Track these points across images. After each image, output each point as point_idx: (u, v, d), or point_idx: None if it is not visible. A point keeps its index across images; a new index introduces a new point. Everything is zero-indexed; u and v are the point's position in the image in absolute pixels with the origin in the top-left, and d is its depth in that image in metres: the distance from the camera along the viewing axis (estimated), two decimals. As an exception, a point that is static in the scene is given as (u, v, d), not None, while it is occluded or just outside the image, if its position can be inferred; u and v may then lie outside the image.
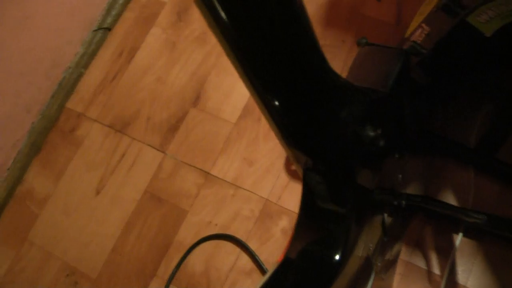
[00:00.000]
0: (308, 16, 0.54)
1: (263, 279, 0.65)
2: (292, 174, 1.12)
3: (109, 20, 1.32)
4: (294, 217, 1.08)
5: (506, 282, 0.97)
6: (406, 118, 0.92)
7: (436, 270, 0.99)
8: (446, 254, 1.00)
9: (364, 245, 0.86)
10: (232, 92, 1.20)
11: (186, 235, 1.12)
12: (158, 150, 1.20)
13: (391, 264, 1.02)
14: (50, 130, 1.28)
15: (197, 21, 1.28)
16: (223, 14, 0.49)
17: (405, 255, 1.02)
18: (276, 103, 0.56)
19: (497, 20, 0.87)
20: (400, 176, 0.94)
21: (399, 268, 1.02)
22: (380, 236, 0.99)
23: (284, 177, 1.12)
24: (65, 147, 1.26)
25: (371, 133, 0.65)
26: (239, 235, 1.09)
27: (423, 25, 1.00)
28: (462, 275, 0.98)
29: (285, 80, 0.55)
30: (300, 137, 0.60)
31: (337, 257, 0.64)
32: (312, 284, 0.63)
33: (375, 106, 0.68)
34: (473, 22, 0.88)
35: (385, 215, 1.02)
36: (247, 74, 0.54)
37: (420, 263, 1.01)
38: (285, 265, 0.65)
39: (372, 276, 0.98)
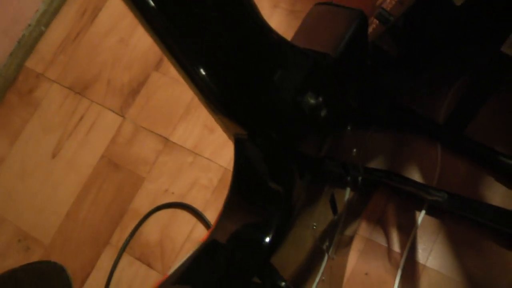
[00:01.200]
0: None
1: (184, 259, 0.59)
2: (254, 143, 1.08)
3: (72, -24, 1.26)
4: (255, 188, 1.05)
5: (465, 262, 0.94)
6: (365, 88, 0.87)
7: (397, 248, 0.96)
8: (408, 232, 0.96)
9: (308, 225, 0.81)
10: (196, 56, 1.15)
11: (142, 203, 1.08)
12: (117, 114, 1.15)
13: (347, 241, 0.99)
14: (7, 90, 1.23)
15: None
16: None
17: (365, 231, 0.98)
18: (198, 63, 0.50)
19: (466, -12, 0.82)
20: (355, 150, 0.89)
21: (358, 245, 0.98)
22: (329, 215, 0.95)
23: (245, 146, 1.07)
24: (22, 108, 1.21)
25: (312, 101, 0.58)
26: (196, 204, 1.06)
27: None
28: (422, 254, 0.95)
29: (208, 35, 0.49)
30: (229, 103, 0.53)
31: (267, 239, 0.58)
32: (239, 269, 0.58)
33: (320, 72, 0.61)
34: (442, -11, 0.84)
35: (347, 190, 0.98)
36: (165, 38, 0.48)
37: (381, 240, 0.97)
38: (209, 247, 0.60)
39: (325, 258, 0.94)
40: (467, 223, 0.95)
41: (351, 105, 0.82)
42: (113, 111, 1.15)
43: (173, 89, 1.14)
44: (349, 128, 0.81)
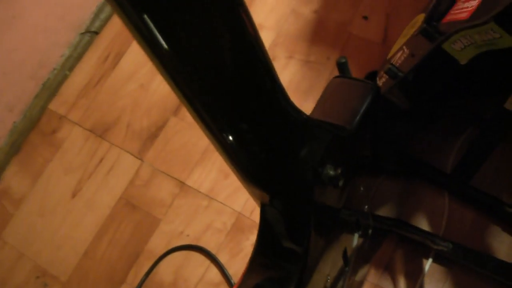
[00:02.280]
0: (263, 46, 0.51)
1: None
2: (267, 189, 1.11)
3: (97, 23, 1.32)
4: (267, 232, 1.08)
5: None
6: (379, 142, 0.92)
7: (403, 294, 0.99)
8: (415, 279, 0.99)
9: (323, 276, 0.86)
10: (213, 103, 1.20)
11: (158, 244, 1.12)
12: (136, 157, 1.20)
13: (357, 286, 1.01)
14: (31, 130, 1.28)
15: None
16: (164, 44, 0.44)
17: (373, 278, 1.01)
18: (231, 138, 0.54)
19: (471, 49, 0.87)
20: (367, 206, 0.94)
21: (366, 290, 1.01)
22: (341, 267, 0.98)
23: (259, 191, 1.11)
24: (45, 149, 1.26)
25: (332, 173, 0.63)
26: (210, 247, 1.09)
27: (404, 47, 1.00)
28: (428, 301, 0.98)
29: (240, 115, 0.53)
30: (257, 174, 0.57)
31: None
32: None
33: (338, 144, 0.66)
34: (449, 49, 0.88)
35: (355, 236, 1.01)
36: (196, 108, 0.53)
37: (389, 286, 1.00)
38: None
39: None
40: (474, 273, 0.98)
41: (364, 161, 0.86)
42: (132, 154, 1.20)
43: (190, 135, 1.19)
44: (362, 189, 0.86)
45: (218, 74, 0.50)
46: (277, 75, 0.55)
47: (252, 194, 0.64)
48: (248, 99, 0.53)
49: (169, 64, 0.46)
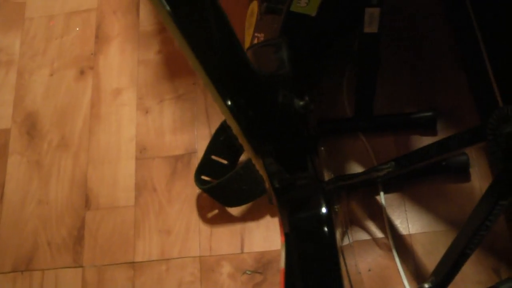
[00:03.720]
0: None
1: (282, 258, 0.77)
2: (210, 221, 1.11)
3: (-40, 171, 1.24)
4: (233, 259, 1.08)
5: (438, 212, 1.03)
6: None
7: (379, 234, 1.04)
8: (380, 216, 1.05)
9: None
10: (116, 178, 1.18)
11: (143, 331, 1.07)
12: (74, 267, 1.13)
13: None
14: (-49, 308, 1.16)
15: (50, 131, 1.24)
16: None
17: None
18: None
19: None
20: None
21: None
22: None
23: (205, 228, 1.11)
24: (-24, 316, 1.15)
25: (301, 102, 0.80)
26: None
27: (256, 34, 1.06)
28: (402, 227, 1.04)
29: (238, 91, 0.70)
30: (254, 127, 0.73)
31: (323, 210, 0.78)
32: (319, 238, 0.78)
33: (292, 83, 0.83)
34: (297, 9, 0.96)
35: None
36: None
37: (363, 236, 1.04)
38: (288, 239, 0.78)
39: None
40: (420, 182, 1.06)
41: None
42: (69, 267, 1.13)
43: (113, 217, 1.15)
44: (322, 148, 1.04)
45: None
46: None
47: (254, 154, 0.77)
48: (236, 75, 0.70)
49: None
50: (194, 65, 0.63)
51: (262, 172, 0.81)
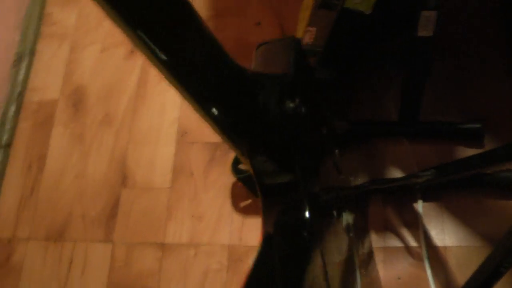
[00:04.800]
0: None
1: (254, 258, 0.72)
2: (243, 211, 1.11)
3: (5, 136, 1.27)
4: (262, 252, 1.07)
5: (477, 227, 1.00)
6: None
7: (413, 243, 1.01)
8: (415, 224, 1.02)
9: (335, 251, 0.92)
10: (155, 159, 1.19)
11: (165, 312, 1.07)
12: (104, 242, 1.15)
13: (368, 257, 1.03)
14: (-17, 269, 1.19)
15: (95, 106, 1.26)
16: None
17: (378, 242, 1.03)
18: (212, 108, 0.67)
19: (371, -4, 0.93)
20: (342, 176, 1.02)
21: (378, 256, 1.02)
22: (349, 239, 1.01)
23: (237, 217, 1.10)
24: (6, 279, 1.17)
25: (292, 104, 0.76)
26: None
27: (309, 28, 1.04)
28: (437, 238, 1.01)
29: (213, 88, 0.67)
30: (238, 128, 0.71)
31: (306, 214, 0.72)
32: (295, 243, 0.72)
33: (288, 85, 0.80)
34: (352, 6, 0.94)
35: (346, 213, 1.04)
36: (190, 95, 0.64)
37: (396, 243, 1.02)
38: (266, 240, 0.73)
39: (358, 275, 0.99)
40: (461, 194, 1.03)
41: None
42: (100, 241, 1.15)
43: (148, 197, 1.16)
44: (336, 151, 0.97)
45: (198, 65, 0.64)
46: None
47: (240, 153, 0.75)
48: (218, 76, 0.67)
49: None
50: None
51: (250, 169, 0.80)
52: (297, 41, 0.90)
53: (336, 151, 0.98)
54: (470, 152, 1.04)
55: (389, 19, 1.01)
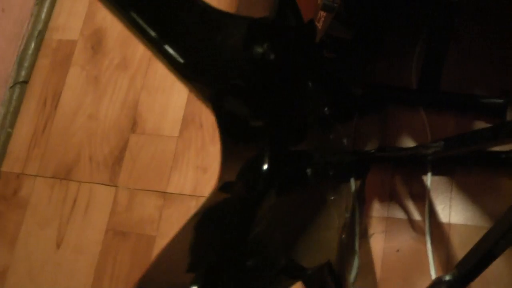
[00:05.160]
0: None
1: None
2: (249, 168, 1.09)
3: (23, 72, 1.27)
4: (264, 210, 1.05)
5: (486, 206, 0.96)
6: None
7: (417, 216, 0.97)
8: (422, 197, 0.98)
9: (335, 216, 0.91)
10: (167, 107, 1.17)
11: (161, 260, 1.07)
12: (109, 185, 1.15)
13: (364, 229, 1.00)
14: (-9, 199, 1.21)
15: (113, 49, 1.25)
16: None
17: (381, 211, 1.00)
18: (165, 42, 0.63)
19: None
20: (345, 140, 0.99)
21: (380, 226, 0.99)
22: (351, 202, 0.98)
23: (242, 174, 1.08)
24: (12, 212, 1.19)
25: (260, 50, 0.72)
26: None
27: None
28: (443, 214, 0.97)
29: (170, 22, 0.63)
30: (195, 68, 0.66)
31: (265, 166, 0.67)
32: (246, 200, 0.66)
33: (261, 29, 0.74)
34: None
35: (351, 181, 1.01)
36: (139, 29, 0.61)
37: (399, 214, 0.99)
38: (219, 188, 0.69)
39: (356, 242, 0.97)
40: (474, 170, 0.98)
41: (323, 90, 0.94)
42: (104, 184, 1.15)
43: (155, 145, 1.15)
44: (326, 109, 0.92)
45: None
46: None
47: (202, 95, 0.71)
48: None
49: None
50: None
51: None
52: None
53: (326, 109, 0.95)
54: (490, 128, 0.99)
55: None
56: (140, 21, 0.59)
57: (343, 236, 0.94)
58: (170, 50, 0.61)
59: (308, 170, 0.80)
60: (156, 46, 0.62)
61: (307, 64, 0.90)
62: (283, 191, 0.71)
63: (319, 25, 1.00)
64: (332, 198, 0.92)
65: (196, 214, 0.64)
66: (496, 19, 1.04)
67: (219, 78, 0.68)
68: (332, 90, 1.00)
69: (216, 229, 0.62)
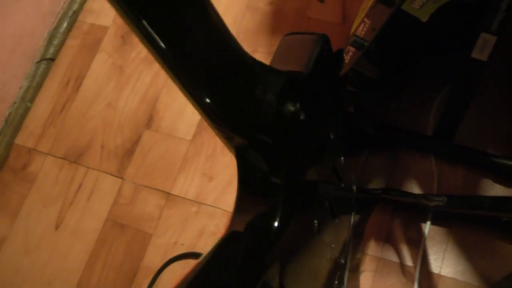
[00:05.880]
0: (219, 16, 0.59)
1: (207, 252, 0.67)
2: (254, 184, 1.10)
3: (51, 50, 1.29)
4: (261, 227, 1.06)
5: (478, 265, 0.96)
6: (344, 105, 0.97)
7: (409, 262, 0.98)
8: (417, 244, 0.99)
9: (329, 246, 0.92)
10: (184, 109, 1.18)
11: (153, 258, 1.09)
12: (115, 176, 1.16)
13: (356, 265, 1.01)
14: (0, 169, 1.23)
15: (142, 42, 1.27)
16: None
17: (375, 251, 1.01)
18: (198, 84, 0.60)
19: (430, 4, 0.88)
20: (352, 174, 1.00)
21: (371, 265, 1.00)
22: (348, 235, 1.00)
23: (246, 188, 1.10)
24: (19, 185, 1.22)
25: (292, 108, 0.72)
26: (207, 251, 1.07)
27: (365, 19, 1.01)
28: (435, 264, 0.97)
29: (205, 69, 0.60)
30: (225, 116, 0.64)
31: (275, 224, 0.69)
32: (255, 251, 0.68)
33: (295, 85, 0.73)
34: (408, 9, 0.90)
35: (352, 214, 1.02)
36: (173, 71, 0.58)
37: (392, 257, 1.00)
38: (228, 237, 0.69)
39: (346, 275, 0.98)
40: (473, 227, 0.99)
41: (337, 126, 0.94)
42: (111, 174, 1.17)
43: (167, 144, 1.16)
44: (342, 158, 0.91)
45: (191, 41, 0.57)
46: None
47: (228, 142, 0.71)
48: (208, 55, 0.60)
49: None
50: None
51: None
52: (326, 40, 0.83)
53: (342, 158, 0.96)
54: (497, 188, 1.00)
55: (445, 32, 0.96)
56: (182, 77, 0.58)
57: (334, 267, 0.95)
58: (207, 99, 0.60)
59: (315, 222, 0.81)
60: (194, 95, 0.60)
61: (331, 110, 0.92)
62: (289, 241, 0.72)
63: (347, 57, 1.01)
64: (329, 228, 0.93)
65: (200, 262, 0.65)
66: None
67: (248, 129, 0.67)
68: (347, 123, 1.01)
69: (221, 278, 0.64)
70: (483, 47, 0.88)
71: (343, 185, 0.97)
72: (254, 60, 0.67)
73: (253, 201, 0.72)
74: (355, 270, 1.00)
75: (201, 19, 0.55)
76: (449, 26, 0.94)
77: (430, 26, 0.87)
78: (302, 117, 0.73)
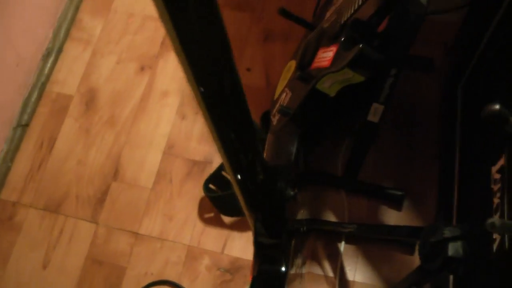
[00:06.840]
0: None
1: None
2: (205, 220, 1.38)
3: (25, 117, 1.53)
4: (213, 255, 1.34)
5: (382, 271, 1.28)
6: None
7: (330, 273, 1.29)
8: (335, 259, 1.30)
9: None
10: (144, 162, 1.45)
11: (129, 287, 1.35)
12: (90, 222, 1.42)
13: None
14: (-11, 222, 1.46)
15: (103, 107, 1.52)
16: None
17: (306, 267, 1.31)
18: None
19: (336, 85, 1.19)
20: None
21: (299, 278, 1.30)
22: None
23: (199, 224, 1.38)
24: (6, 233, 1.44)
25: (291, 193, 1.11)
26: (172, 278, 1.34)
27: (286, 89, 1.30)
28: (349, 273, 1.29)
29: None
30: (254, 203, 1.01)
31: (283, 269, 1.09)
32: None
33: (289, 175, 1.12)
34: (320, 87, 1.20)
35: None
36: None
37: (317, 270, 1.30)
38: (253, 281, 1.09)
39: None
40: (377, 244, 1.31)
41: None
42: (87, 220, 1.42)
43: (132, 193, 1.43)
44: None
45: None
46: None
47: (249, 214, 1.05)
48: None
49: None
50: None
51: (251, 226, 1.10)
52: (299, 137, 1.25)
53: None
54: (390, 212, 1.32)
55: (348, 102, 1.28)
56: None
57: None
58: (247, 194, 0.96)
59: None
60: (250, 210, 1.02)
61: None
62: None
63: (274, 120, 1.31)
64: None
65: None
66: (407, 133, 1.38)
67: (263, 211, 1.06)
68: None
69: None
70: (375, 113, 1.19)
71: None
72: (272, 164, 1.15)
73: (264, 253, 1.13)
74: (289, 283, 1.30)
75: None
76: (350, 98, 1.26)
77: (337, 99, 1.18)
78: (292, 195, 1.13)
